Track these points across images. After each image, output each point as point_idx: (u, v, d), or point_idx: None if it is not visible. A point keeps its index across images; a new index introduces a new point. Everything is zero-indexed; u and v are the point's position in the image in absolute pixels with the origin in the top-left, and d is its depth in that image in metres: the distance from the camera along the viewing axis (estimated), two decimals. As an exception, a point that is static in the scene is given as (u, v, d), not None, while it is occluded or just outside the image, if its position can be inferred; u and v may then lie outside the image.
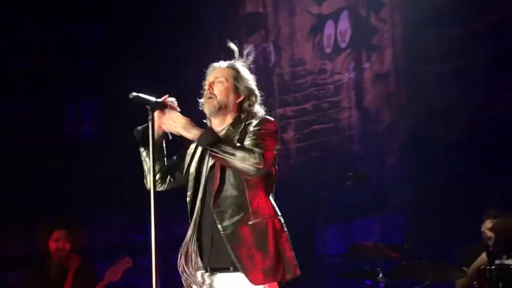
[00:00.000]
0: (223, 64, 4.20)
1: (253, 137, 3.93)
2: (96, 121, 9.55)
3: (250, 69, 4.24)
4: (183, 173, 4.15)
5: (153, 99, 3.91)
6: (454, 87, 7.48)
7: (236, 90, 4.09)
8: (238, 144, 3.91)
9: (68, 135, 9.41)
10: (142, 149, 4.11)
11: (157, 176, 4.14)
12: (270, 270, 3.90)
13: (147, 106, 3.89)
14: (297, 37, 8.87)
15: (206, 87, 4.13)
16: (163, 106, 3.97)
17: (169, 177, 4.19)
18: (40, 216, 8.01)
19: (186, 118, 3.94)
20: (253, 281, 3.87)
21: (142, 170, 4.16)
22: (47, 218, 7.46)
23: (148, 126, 3.90)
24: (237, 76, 4.14)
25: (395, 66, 8.05)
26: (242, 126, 4.01)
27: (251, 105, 4.09)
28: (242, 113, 4.08)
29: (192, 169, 4.08)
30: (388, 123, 8.06)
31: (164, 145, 4.15)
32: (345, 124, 8.36)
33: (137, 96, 3.86)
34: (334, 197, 7.51)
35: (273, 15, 9.11)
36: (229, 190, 3.94)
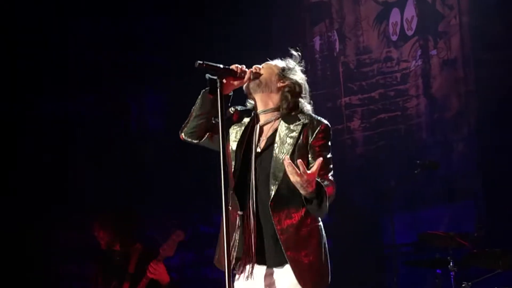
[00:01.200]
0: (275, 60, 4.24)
1: (321, 153, 3.96)
2: (160, 115, 9.62)
3: (304, 71, 4.25)
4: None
5: (221, 66, 3.91)
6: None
7: (282, 76, 4.14)
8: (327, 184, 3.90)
9: (134, 130, 9.51)
10: (202, 93, 4.08)
11: (197, 128, 4.13)
12: (320, 276, 3.98)
13: (211, 77, 3.89)
14: (362, 25, 8.82)
15: (253, 69, 4.15)
16: (232, 73, 3.99)
17: (207, 135, 4.16)
18: (104, 209, 8.13)
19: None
20: (304, 285, 3.92)
21: (186, 122, 4.18)
22: (100, 208, 7.52)
23: (215, 83, 3.87)
24: (284, 67, 4.18)
25: (462, 52, 7.95)
26: (299, 130, 4.00)
27: (295, 95, 4.12)
28: (286, 101, 4.10)
29: (236, 155, 4.05)
30: (456, 110, 7.97)
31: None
32: (413, 112, 8.28)
33: (203, 63, 3.85)
34: (402, 186, 7.45)
35: (337, 3, 9.07)
36: (287, 193, 3.94)
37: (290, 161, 3.72)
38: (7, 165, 8.23)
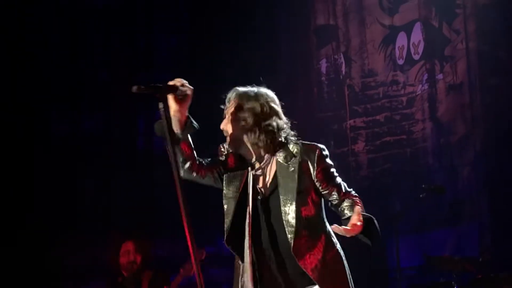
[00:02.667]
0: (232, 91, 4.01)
1: (329, 180, 3.91)
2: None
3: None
4: (220, 177, 3.96)
5: (160, 84, 3.64)
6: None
7: (242, 110, 3.90)
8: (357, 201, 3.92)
9: (141, 148, 9.53)
10: (156, 126, 3.76)
11: (186, 160, 3.87)
12: None
13: (157, 95, 3.59)
14: (368, 48, 8.85)
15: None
16: (173, 89, 3.69)
17: (209, 174, 3.95)
18: (113, 228, 8.12)
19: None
20: None
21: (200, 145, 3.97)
22: (120, 230, 7.53)
23: (163, 117, 3.55)
24: (242, 96, 3.94)
25: (469, 77, 7.97)
26: (297, 165, 3.85)
27: (268, 121, 3.88)
28: (265, 135, 3.86)
29: (236, 194, 3.89)
30: (462, 134, 7.98)
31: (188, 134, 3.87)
32: (418, 136, 8.29)
33: (139, 87, 3.54)
34: (407, 209, 7.45)
35: (344, 26, 9.10)
36: (303, 232, 3.82)
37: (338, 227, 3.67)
38: (19, 186, 8.25)
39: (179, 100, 3.79)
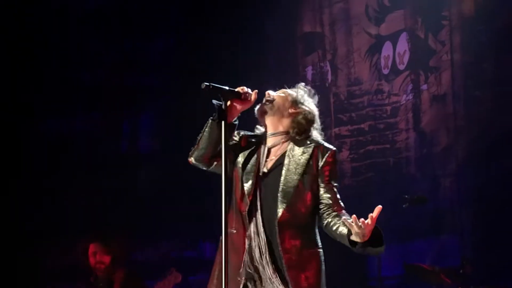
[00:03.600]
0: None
1: (332, 183, 4.09)
2: (153, 136, 9.64)
3: (317, 106, 4.33)
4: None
5: (226, 88, 3.95)
6: (512, 111, 7.43)
7: (294, 103, 4.21)
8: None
9: (125, 150, 9.52)
10: (210, 121, 4.07)
11: (206, 154, 4.12)
12: None
13: (217, 102, 3.92)
14: (354, 57, 8.87)
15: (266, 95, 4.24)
16: (237, 95, 4.01)
17: (216, 162, 4.15)
18: (93, 231, 8.10)
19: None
20: None
21: (194, 143, 4.17)
22: (88, 232, 7.52)
23: (223, 109, 3.89)
24: (297, 95, 4.26)
25: (453, 88, 8.00)
26: (308, 156, 4.08)
27: (304, 121, 4.18)
28: (296, 127, 4.16)
29: (247, 177, 4.09)
30: (445, 145, 8.01)
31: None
32: (402, 146, 8.31)
33: (209, 85, 3.88)
34: (389, 218, 7.46)
35: (330, 34, 9.13)
36: (294, 215, 4.02)
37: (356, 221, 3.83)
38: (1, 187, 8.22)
39: (241, 102, 4.07)
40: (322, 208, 4.09)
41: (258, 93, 4.18)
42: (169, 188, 8.81)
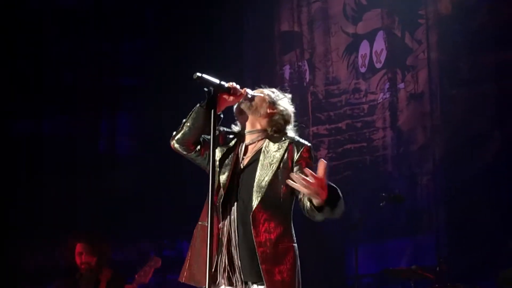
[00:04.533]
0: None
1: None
2: (130, 137, 9.62)
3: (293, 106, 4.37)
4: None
5: (217, 81, 3.98)
6: (489, 110, 7.48)
7: (272, 103, 4.26)
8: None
9: (103, 151, 9.49)
10: (199, 107, 4.11)
11: (189, 138, 4.16)
12: None
13: (211, 88, 3.95)
14: (332, 56, 8.89)
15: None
16: (227, 90, 4.05)
17: (198, 149, 4.21)
18: (74, 230, 8.08)
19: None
20: None
21: (177, 131, 4.19)
22: (75, 232, 7.51)
23: (213, 98, 3.93)
24: (275, 96, 4.32)
25: (429, 86, 8.04)
26: (283, 151, 4.12)
27: (282, 121, 4.25)
28: (273, 126, 4.23)
29: (223, 172, 4.15)
30: (421, 143, 8.04)
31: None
32: (379, 144, 8.34)
33: (201, 77, 3.91)
34: (366, 217, 7.49)
35: (308, 33, 9.14)
36: (269, 207, 4.04)
37: (296, 175, 3.81)
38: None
39: (229, 96, 4.11)
40: (299, 197, 4.09)
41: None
42: (147, 188, 8.80)
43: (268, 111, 4.23)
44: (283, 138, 4.19)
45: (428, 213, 7.82)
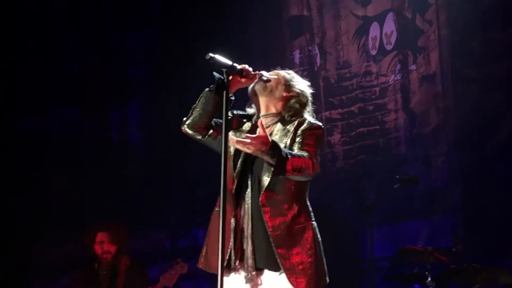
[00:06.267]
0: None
1: (307, 141, 4.02)
2: (142, 127, 9.62)
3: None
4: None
5: (229, 62, 3.94)
6: (503, 88, 7.42)
7: (288, 86, 4.22)
8: (298, 153, 3.92)
9: (115, 141, 9.49)
10: (207, 91, 4.06)
11: (200, 123, 4.11)
12: (314, 275, 3.97)
13: (223, 69, 3.93)
14: (342, 40, 8.85)
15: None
16: (239, 72, 4.01)
17: (211, 134, 4.16)
18: (89, 221, 8.10)
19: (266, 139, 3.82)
20: (296, 285, 3.93)
21: (187, 117, 4.15)
22: (95, 222, 7.53)
23: (222, 83, 3.90)
24: (291, 78, 4.28)
25: (441, 67, 7.99)
26: (294, 127, 4.08)
27: (298, 105, 4.19)
28: (289, 110, 4.17)
29: (236, 157, 4.08)
30: (435, 125, 8.00)
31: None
32: (391, 127, 8.31)
33: (214, 57, 3.87)
34: (382, 200, 7.47)
35: (318, 18, 9.09)
36: (279, 189, 3.99)
37: (233, 137, 3.78)
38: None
39: (241, 78, 4.07)
40: None
41: (245, 88, 4.19)
42: (160, 177, 8.80)
43: (284, 94, 4.19)
44: (295, 120, 4.13)
45: (443, 194, 7.79)
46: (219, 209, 3.97)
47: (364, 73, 8.61)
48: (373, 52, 8.57)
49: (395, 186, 6.98)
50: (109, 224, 7.13)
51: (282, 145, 3.93)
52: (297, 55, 9.19)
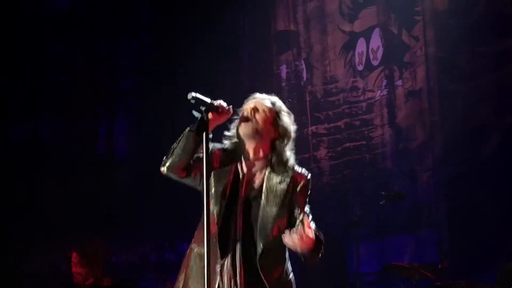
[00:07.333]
0: (266, 98, 4.17)
1: (305, 206, 4.09)
2: (129, 139, 9.60)
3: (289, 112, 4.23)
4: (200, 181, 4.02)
5: (209, 100, 3.89)
6: (488, 104, 7.46)
7: (275, 125, 4.09)
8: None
9: (102, 153, 9.47)
10: (188, 131, 3.97)
11: (180, 164, 4.00)
12: None
13: (202, 108, 3.86)
14: (329, 55, 8.88)
15: (245, 112, 4.10)
16: (216, 109, 3.93)
17: (191, 173, 4.04)
18: (74, 234, 8.06)
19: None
20: None
21: (168, 149, 4.07)
22: (68, 239, 7.47)
23: (203, 122, 3.85)
24: (278, 113, 4.12)
25: (428, 83, 8.02)
26: (289, 181, 4.06)
27: (283, 146, 4.09)
28: (274, 152, 4.08)
29: (219, 200, 4.01)
30: (421, 140, 8.03)
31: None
32: (377, 142, 8.33)
33: (196, 97, 3.82)
34: (368, 215, 7.47)
35: (304, 32, 9.12)
36: (273, 244, 3.99)
37: (291, 236, 3.80)
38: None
39: (217, 115, 3.97)
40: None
41: (232, 101, 4.14)
42: (147, 190, 8.77)
43: (271, 134, 4.08)
44: (286, 170, 4.07)
45: (429, 209, 7.81)
46: (198, 249, 3.97)
47: (351, 88, 8.63)
48: (360, 68, 8.60)
49: (381, 203, 6.98)
50: (82, 243, 7.02)
51: (275, 201, 4.00)
52: (284, 70, 9.21)
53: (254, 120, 4.06)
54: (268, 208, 4.00)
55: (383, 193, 6.98)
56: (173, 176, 4.07)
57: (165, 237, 9.13)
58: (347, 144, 8.58)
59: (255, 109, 4.09)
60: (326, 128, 8.79)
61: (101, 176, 8.95)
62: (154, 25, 9.55)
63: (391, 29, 8.36)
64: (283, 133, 4.09)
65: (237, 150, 4.14)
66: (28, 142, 8.84)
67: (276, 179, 4.04)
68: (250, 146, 4.09)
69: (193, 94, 3.81)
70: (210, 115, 3.90)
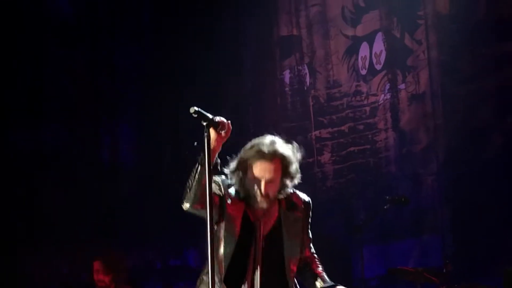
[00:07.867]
0: (271, 151, 4.21)
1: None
2: (132, 144, 9.60)
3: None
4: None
5: (210, 116, 3.92)
6: (491, 106, 7.47)
7: (283, 183, 4.20)
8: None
9: (106, 160, 9.47)
10: (199, 166, 4.00)
11: (201, 196, 3.97)
12: None
13: (205, 123, 3.90)
14: (332, 59, 8.88)
15: (258, 186, 4.17)
16: (217, 125, 3.95)
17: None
18: (81, 243, 8.08)
19: None
20: None
21: (185, 186, 4.10)
22: (87, 244, 7.49)
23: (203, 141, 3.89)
24: (286, 170, 4.21)
25: (431, 86, 8.03)
26: (300, 213, 4.26)
27: (291, 185, 4.26)
28: (283, 192, 4.24)
29: (228, 237, 4.13)
30: (425, 144, 8.03)
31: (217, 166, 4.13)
32: (381, 146, 8.33)
33: (199, 111, 3.86)
34: (371, 219, 7.47)
35: (307, 37, 9.13)
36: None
37: None
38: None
39: (218, 134, 3.99)
40: (302, 264, 4.29)
41: (234, 112, 4.20)
42: (151, 196, 8.78)
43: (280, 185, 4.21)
44: (294, 202, 4.26)
45: (433, 213, 7.81)
46: (205, 277, 4.07)
47: (354, 93, 8.64)
48: (363, 72, 8.61)
49: (385, 207, 6.98)
50: (105, 252, 7.09)
51: (294, 234, 4.20)
52: (287, 75, 9.21)
53: (267, 196, 4.16)
54: (292, 249, 4.18)
55: (387, 197, 6.99)
56: (196, 211, 4.09)
57: (170, 243, 9.13)
58: (351, 148, 8.58)
59: (267, 184, 4.17)
60: (329, 133, 8.80)
61: (105, 184, 8.95)
62: (155, 29, 9.53)
63: (394, 33, 8.37)
64: (291, 179, 4.22)
65: (245, 191, 4.21)
66: (30, 150, 8.84)
67: (291, 216, 4.23)
68: (264, 190, 4.17)
69: (196, 108, 3.85)
70: (211, 131, 3.93)
